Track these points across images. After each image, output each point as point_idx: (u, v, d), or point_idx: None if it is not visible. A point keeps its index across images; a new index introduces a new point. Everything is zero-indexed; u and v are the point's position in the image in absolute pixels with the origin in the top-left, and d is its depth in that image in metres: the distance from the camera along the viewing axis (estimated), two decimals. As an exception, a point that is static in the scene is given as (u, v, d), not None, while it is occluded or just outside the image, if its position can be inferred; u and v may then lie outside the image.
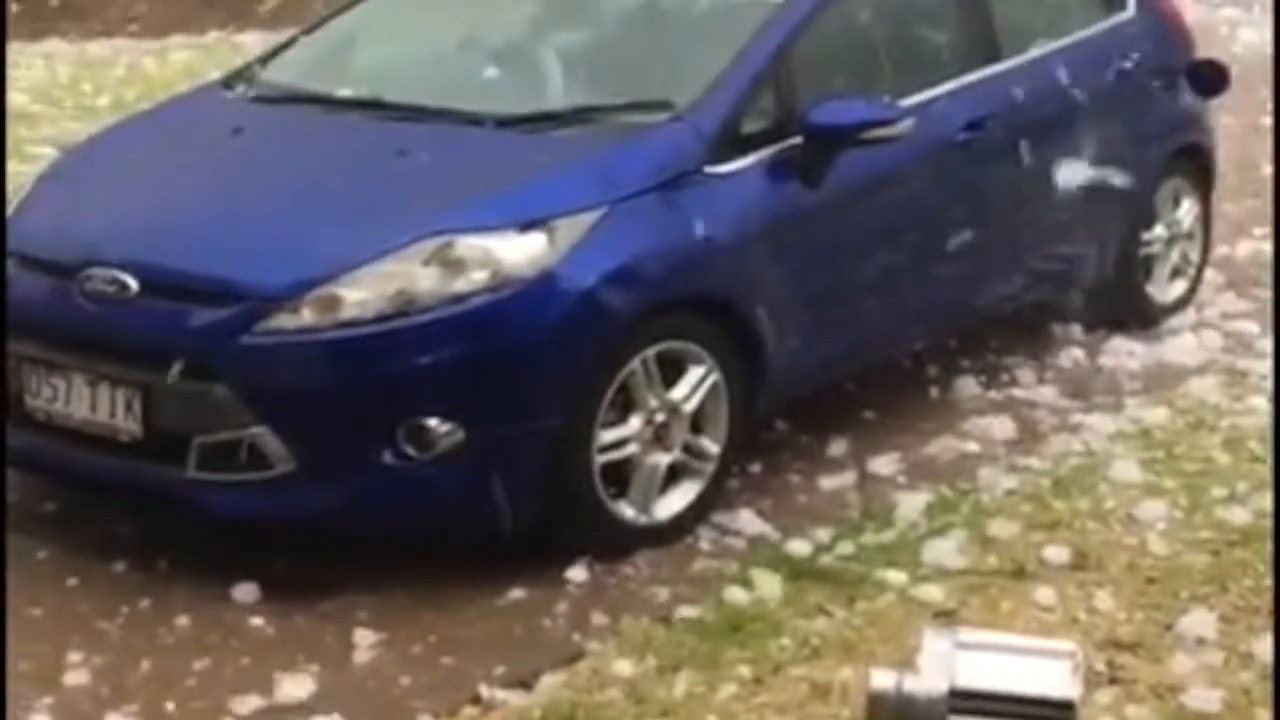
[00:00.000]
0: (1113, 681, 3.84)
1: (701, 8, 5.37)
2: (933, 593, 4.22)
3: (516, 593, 4.27)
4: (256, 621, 4.14)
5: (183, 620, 4.14)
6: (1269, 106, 8.91)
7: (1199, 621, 4.07)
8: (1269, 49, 10.38)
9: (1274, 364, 5.69)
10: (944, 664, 3.55)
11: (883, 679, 3.42)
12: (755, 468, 4.95)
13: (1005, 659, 3.60)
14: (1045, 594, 4.23)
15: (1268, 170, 7.96)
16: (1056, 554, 4.43)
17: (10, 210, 4.81)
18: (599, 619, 4.16)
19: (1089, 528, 4.61)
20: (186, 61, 10.58)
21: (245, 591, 4.24)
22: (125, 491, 4.44)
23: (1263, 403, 5.44)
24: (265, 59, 5.61)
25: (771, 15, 5.05)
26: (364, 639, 4.07)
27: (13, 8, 11.54)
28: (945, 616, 4.10)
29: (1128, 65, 6.08)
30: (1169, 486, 4.85)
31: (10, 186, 5.34)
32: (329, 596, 4.23)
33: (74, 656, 4.00)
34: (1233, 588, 4.25)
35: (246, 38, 11.13)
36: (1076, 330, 6.11)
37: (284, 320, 4.20)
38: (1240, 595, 4.21)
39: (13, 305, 4.51)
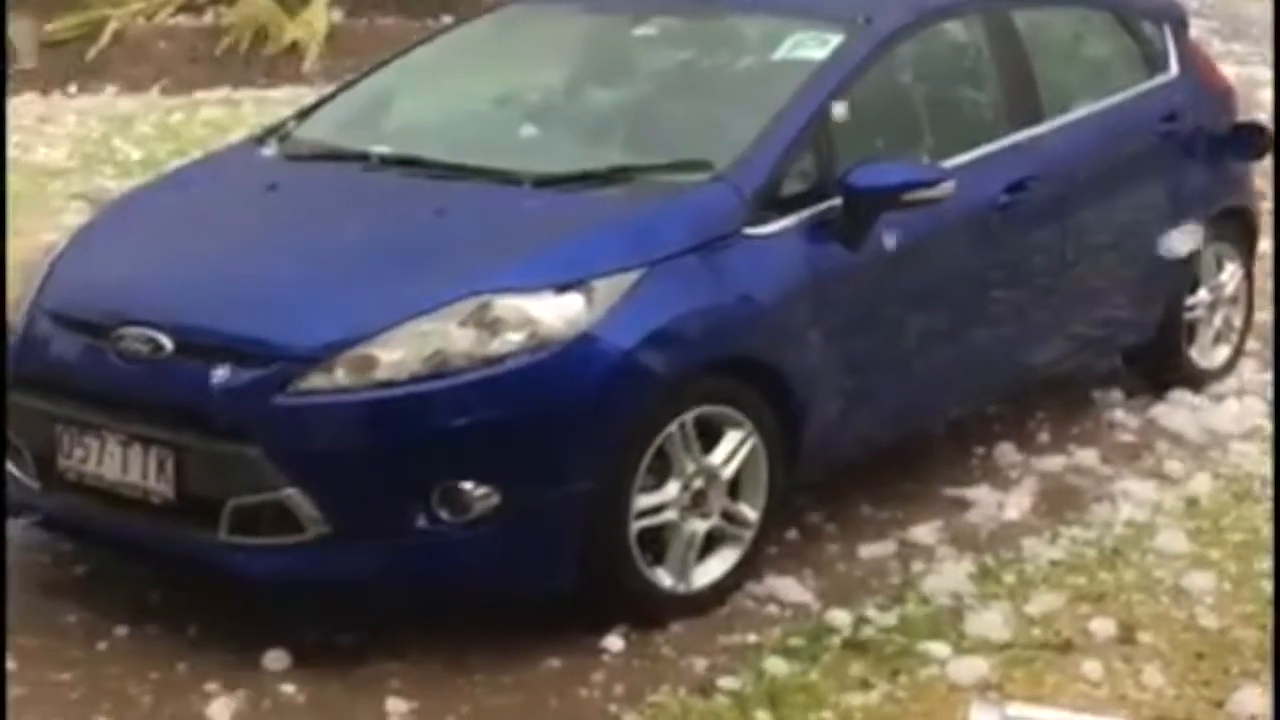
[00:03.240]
0: (1165, 760, 3.76)
1: (741, 68, 5.33)
2: (977, 666, 4.13)
3: (552, 662, 4.19)
4: (288, 689, 4.06)
5: (213, 686, 4.06)
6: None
7: (1251, 699, 3.98)
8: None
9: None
10: (992, 740, 3.47)
11: (930, 756, 3.34)
12: (794, 535, 4.88)
13: (1054, 735, 3.52)
14: (1092, 668, 4.14)
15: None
16: (1103, 627, 4.35)
17: (44, 267, 4.77)
18: (636, 690, 4.08)
19: (1135, 600, 4.53)
20: (217, 118, 10.60)
21: (276, 658, 4.16)
22: (156, 555, 4.38)
23: (1310, 472, 5.35)
24: (300, 116, 5.58)
25: (812, 76, 5.00)
26: (396, 708, 3.99)
27: (31, 65, 11.63)
28: (990, 691, 4.01)
29: (1170, 127, 6.03)
30: (1216, 558, 4.77)
31: (44, 245, 5.31)
32: (362, 664, 4.16)
33: (101, 723, 3.94)
34: (1286, 664, 4.15)
35: (277, 94, 11.15)
36: (1118, 396, 6.03)
37: (318, 380, 4.14)
38: (1295, 672, 4.11)
39: (46, 364, 4.48)
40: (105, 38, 11.78)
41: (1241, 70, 10.92)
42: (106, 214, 5.36)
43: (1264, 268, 6.70)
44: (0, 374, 4.39)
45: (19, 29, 11.51)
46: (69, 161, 9.35)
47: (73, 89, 11.46)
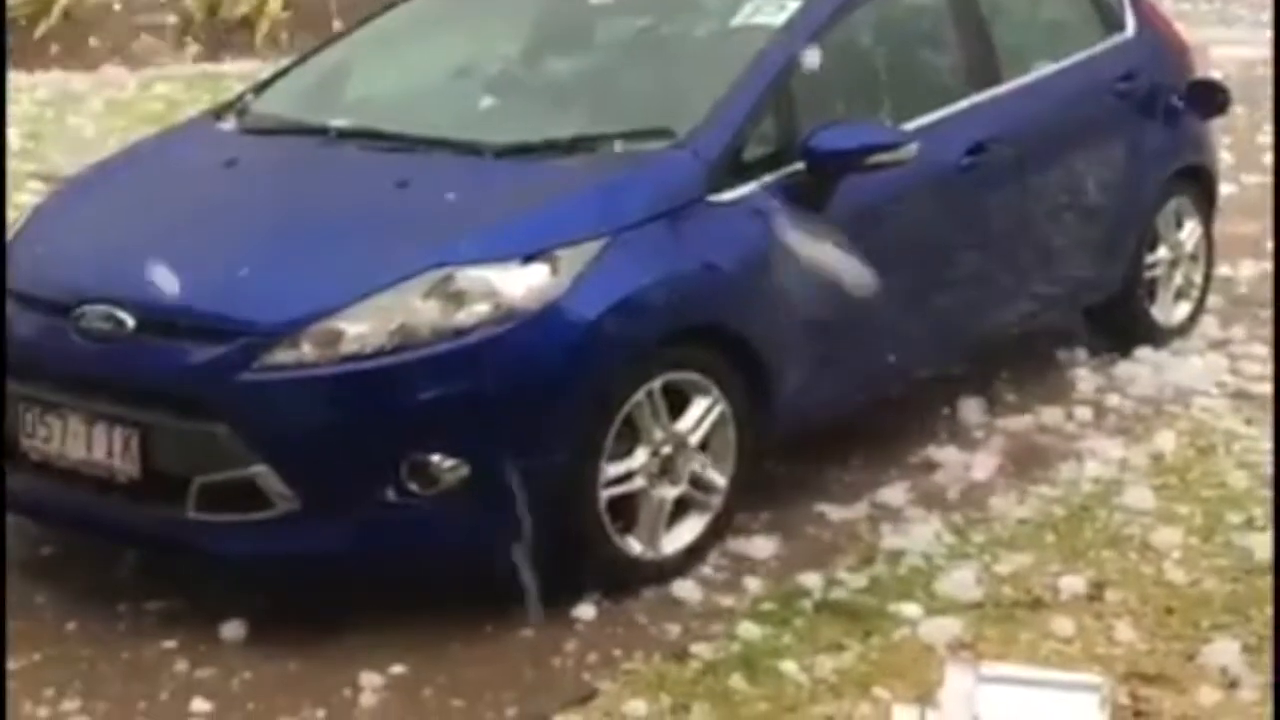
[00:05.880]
0: (1138, 715, 3.79)
1: (701, 34, 5.31)
2: (949, 626, 4.14)
3: (525, 632, 4.19)
4: (261, 664, 4.04)
5: (184, 665, 4.04)
6: (1263, 126, 8.91)
7: (1222, 651, 4.00)
8: (1257, 69, 10.41)
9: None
10: (966, 699, 3.49)
11: (905, 715, 3.36)
12: (762, 499, 4.87)
13: (1029, 693, 3.54)
14: (1064, 625, 4.16)
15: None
16: (1072, 584, 4.37)
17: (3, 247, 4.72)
18: (609, 657, 4.08)
19: (1104, 556, 4.55)
20: (170, 93, 10.51)
21: (249, 634, 4.14)
22: (123, 534, 4.35)
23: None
24: (257, 89, 5.54)
25: (771, 41, 4.99)
26: (370, 681, 3.97)
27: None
28: (963, 650, 4.03)
29: (1128, 86, 6.04)
30: (1184, 513, 4.80)
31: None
32: (334, 638, 4.14)
33: (72, 704, 3.90)
34: (1255, 616, 4.19)
35: (231, 68, 11.07)
36: (1082, 354, 6.05)
37: (283, 356, 4.11)
38: (1264, 624, 4.14)
39: (7, 344, 4.43)
40: (54, 15, 11.66)
41: (1196, 30, 10.95)
42: (63, 191, 5.31)
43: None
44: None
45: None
46: (27, 142, 9.27)
47: (24, 68, 11.34)
